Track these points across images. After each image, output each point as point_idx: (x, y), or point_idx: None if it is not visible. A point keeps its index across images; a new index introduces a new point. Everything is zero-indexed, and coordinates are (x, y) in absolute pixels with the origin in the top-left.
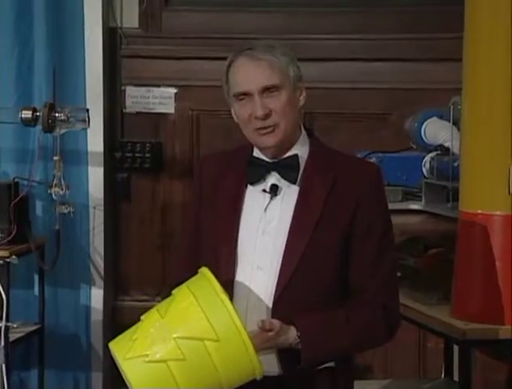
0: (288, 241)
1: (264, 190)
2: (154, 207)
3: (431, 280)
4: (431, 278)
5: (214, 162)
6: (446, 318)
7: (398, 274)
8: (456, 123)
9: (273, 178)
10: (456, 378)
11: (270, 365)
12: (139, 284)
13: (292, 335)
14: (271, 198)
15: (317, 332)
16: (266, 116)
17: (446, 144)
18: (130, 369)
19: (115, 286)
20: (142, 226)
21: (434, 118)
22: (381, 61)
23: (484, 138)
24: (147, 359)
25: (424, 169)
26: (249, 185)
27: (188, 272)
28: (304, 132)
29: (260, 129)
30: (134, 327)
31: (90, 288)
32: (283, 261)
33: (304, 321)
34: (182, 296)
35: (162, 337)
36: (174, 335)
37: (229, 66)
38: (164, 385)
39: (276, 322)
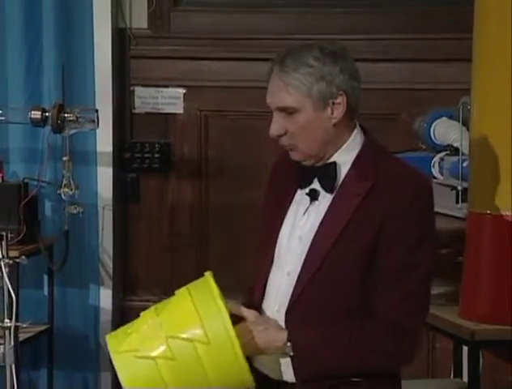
0: (310, 247)
1: (307, 194)
2: (162, 207)
3: (440, 281)
4: (440, 279)
5: (282, 164)
6: (455, 318)
7: None
8: (465, 123)
9: (316, 184)
10: (465, 378)
11: (285, 372)
12: (148, 283)
13: (281, 336)
14: (311, 203)
15: (309, 342)
16: (280, 136)
17: (456, 144)
18: (120, 362)
19: (124, 286)
20: (150, 226)
21: (443, 118)
22: (390, 61)
23: (494, 138)
24: (137, 354)
25: (433, 170)
26: (298, 189)
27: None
28: (353, 137)
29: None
30: (131, 322)
31: (99, 288)
32: (302, 266)
33: (298, 331)
34: (180, 296)
35: (154, 334)
36: (166, 334)
37: (269, 70)
38: (152, 382)
39: (252, 313)
